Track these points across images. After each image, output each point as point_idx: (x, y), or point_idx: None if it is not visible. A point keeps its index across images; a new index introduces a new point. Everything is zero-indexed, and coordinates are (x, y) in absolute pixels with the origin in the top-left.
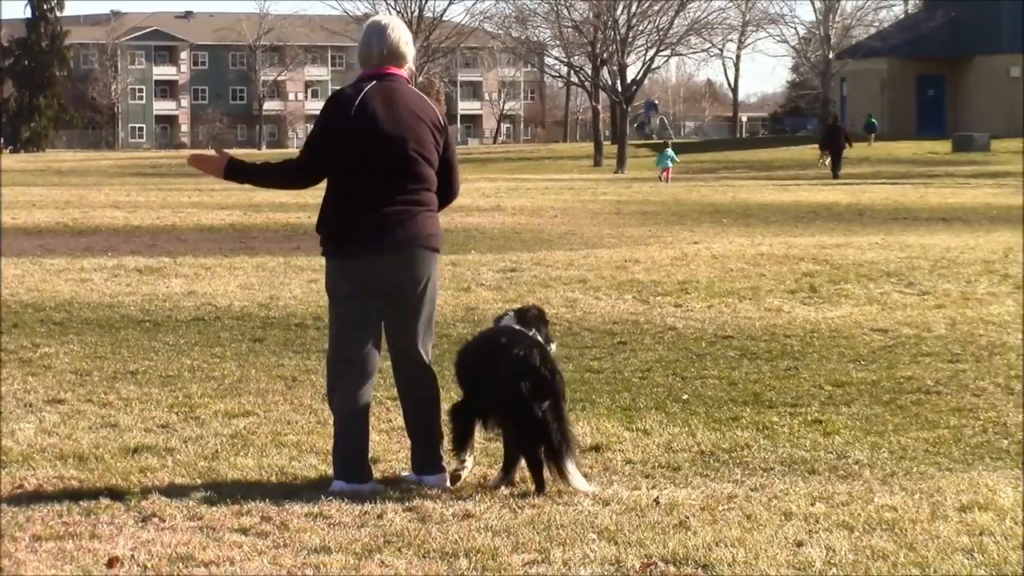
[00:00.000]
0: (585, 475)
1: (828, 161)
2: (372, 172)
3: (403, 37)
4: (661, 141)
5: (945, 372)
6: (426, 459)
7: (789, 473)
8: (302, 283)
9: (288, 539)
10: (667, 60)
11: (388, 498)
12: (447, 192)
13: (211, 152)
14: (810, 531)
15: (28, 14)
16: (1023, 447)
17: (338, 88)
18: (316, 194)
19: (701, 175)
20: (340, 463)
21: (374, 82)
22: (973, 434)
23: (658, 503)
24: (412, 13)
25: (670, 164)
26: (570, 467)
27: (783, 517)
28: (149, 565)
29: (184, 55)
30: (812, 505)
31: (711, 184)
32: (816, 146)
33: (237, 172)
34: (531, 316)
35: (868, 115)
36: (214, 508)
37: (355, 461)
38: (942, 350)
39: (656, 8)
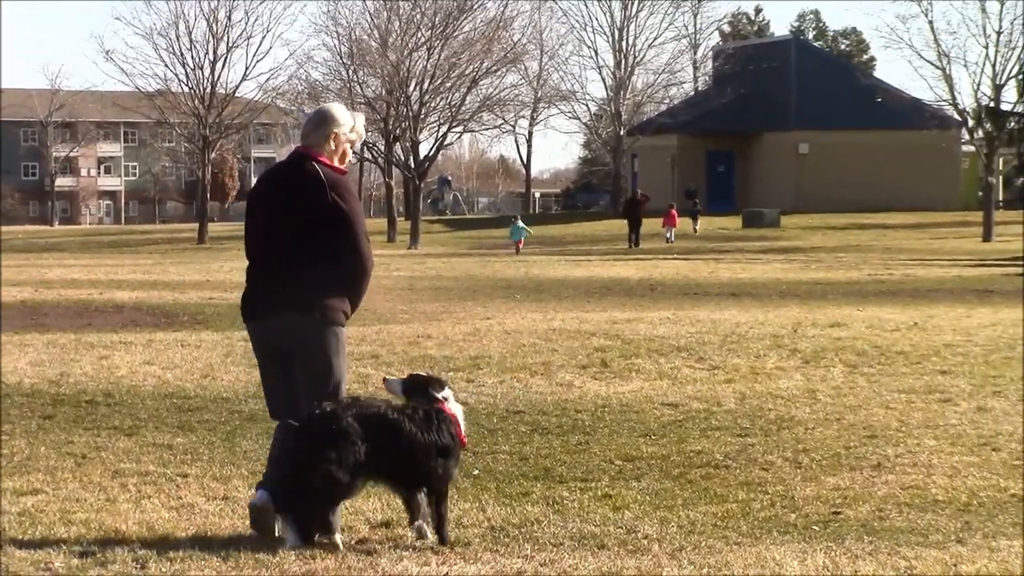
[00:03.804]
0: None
1: (671, 233)
2: None
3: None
4: (513, 216)
5: (734, 446)
6: None
7: (579, 548)
8: (93, 360)
9: None
10: (460, 136)
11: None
12: None
13: None
14: None
15: None
16: None
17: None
18: (109, 270)
19: (494, 251)
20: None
21: None
22: (761, 508)
23: None
24: (204, 89)
25: (523, 236)
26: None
27: None
28: None
29: None
30: None
31: (504, 260)
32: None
33: None
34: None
35: (687, 185)
36: None
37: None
38: (731, 424)
39: (448, 85)
